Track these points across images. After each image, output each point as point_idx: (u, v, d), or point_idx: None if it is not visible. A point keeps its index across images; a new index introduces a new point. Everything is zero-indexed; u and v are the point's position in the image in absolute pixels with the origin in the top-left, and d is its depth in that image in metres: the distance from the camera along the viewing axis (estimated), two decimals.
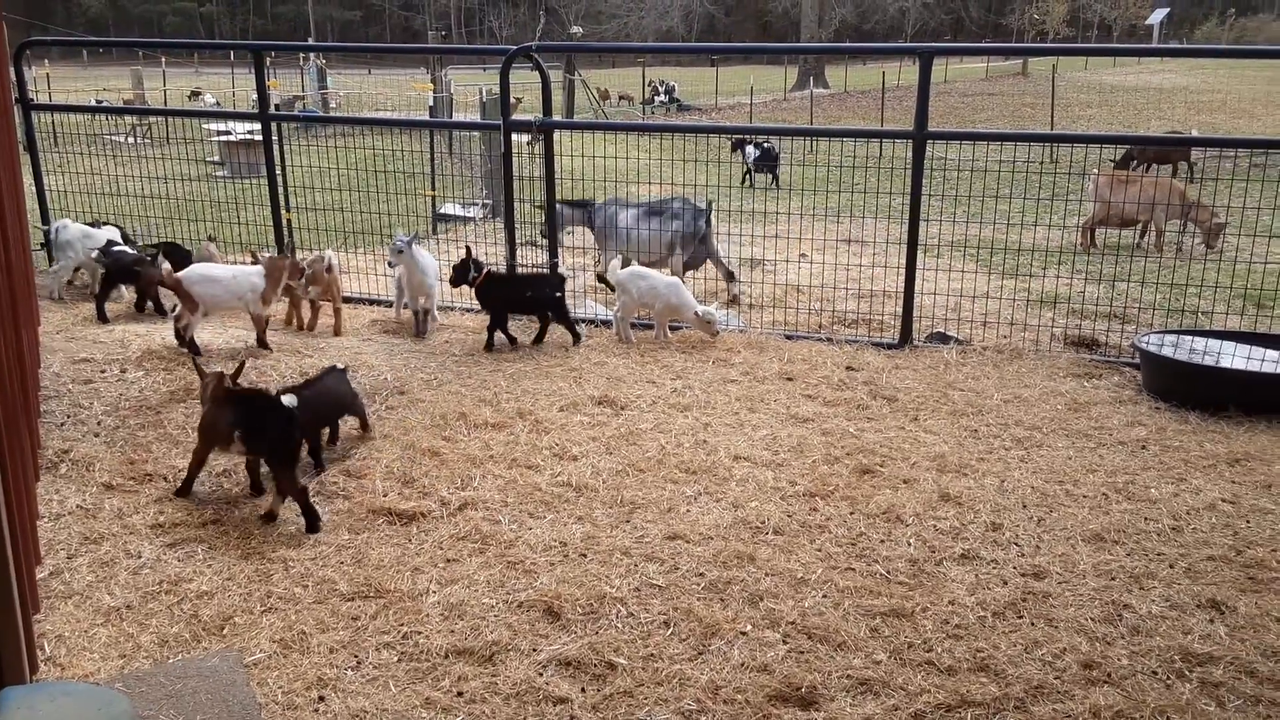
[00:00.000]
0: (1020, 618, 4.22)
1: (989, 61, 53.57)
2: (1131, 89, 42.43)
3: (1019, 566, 4.62)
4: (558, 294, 7.95)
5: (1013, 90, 42.39)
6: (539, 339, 8.05)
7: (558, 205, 9.43)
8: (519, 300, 8.09)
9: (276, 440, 4.97)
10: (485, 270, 7.94)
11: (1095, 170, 12.98)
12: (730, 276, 9.89)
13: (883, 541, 4.85)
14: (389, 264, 8.26)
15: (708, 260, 10.01)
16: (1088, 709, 3.60)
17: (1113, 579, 4.52)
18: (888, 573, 4.57)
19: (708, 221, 9.76)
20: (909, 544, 4.83)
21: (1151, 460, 5.86)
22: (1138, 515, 5.13)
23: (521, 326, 8.34)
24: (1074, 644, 4.01)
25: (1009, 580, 4.51)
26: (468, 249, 8.04)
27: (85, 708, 3.00)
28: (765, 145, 17.17)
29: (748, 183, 17.35)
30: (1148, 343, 7.13)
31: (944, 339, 8.18)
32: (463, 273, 7.89)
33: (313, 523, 4.91)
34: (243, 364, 5.75)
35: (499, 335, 8.00)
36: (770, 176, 17.35)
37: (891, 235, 11.51)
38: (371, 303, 9.31)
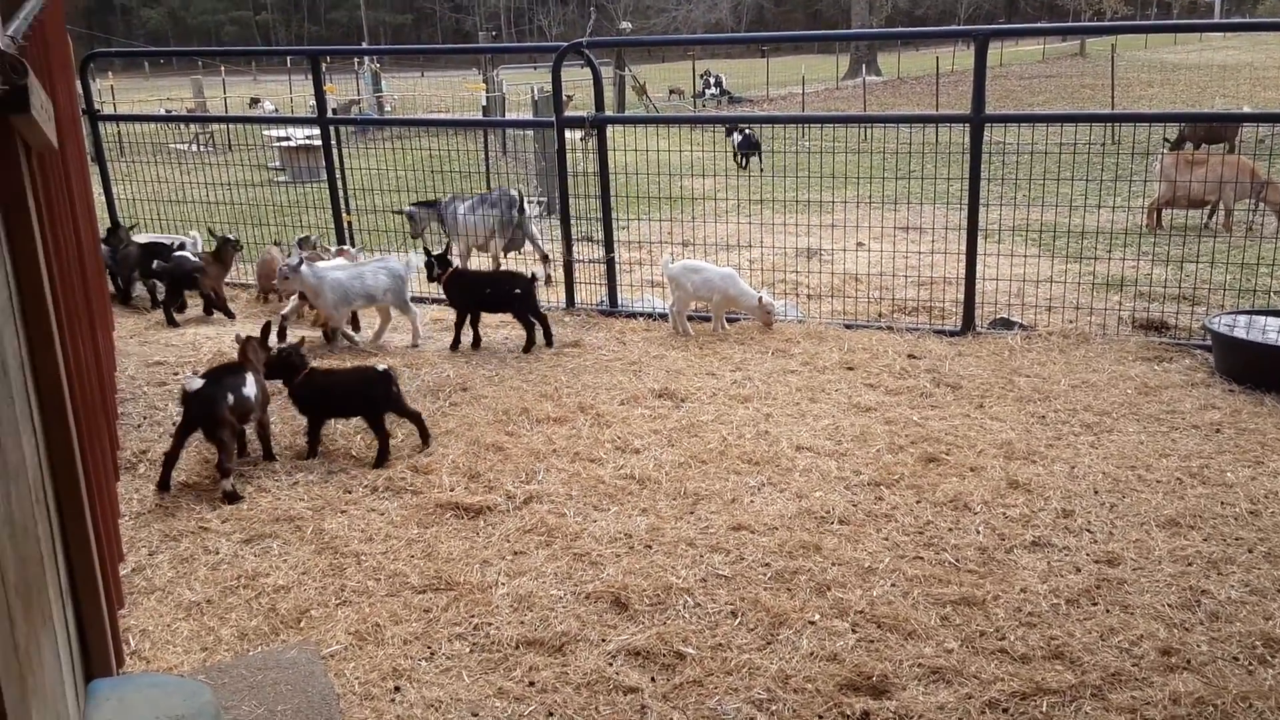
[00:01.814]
0: (1095, 605, 4.15)
1: (1045, 43, 52.54)
2: (1193, 67, 41.33)
3: (1092, 553, 4.55)
4: (517, 291, 7.70)
5: (1071, 72, 41.53)
6: (526, 346, 7.77)
7: (409, 209, 10.18)
8: (482, 298, 7.89)
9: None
10: (451, 268, 7.93)
11: (1162, 150, 12.69)
12: (545, 258, 10.49)
13: (951, 530, 4.80)
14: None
15: (526, 242, 10.68)
16: (1167, 696, 3.53)
17: (1189, 565, 4.43)
18: (957, 561, 4.52)
19: (521, 209, 10.42)
20: (978, 532, 4.77)
21: (1226, 444, 5.73)
22: (1214, 500, 5.02)
23: (567, 324, 8.36)
24: (1151, 630, 3.93)
25: (1082, 567, 4.44)
26: (426, 250, 8.18)
27: (171, 698, 3.10)
28: (747, 131, 18.74)
29: (739, 165, 18.93)
30: (1219, 324, 6.96)
31: (1007, 325, 8.06)
32: (429, 269, 7.94)
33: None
34: (267, 325, 6.19)
35: (469, 336, 7.90)
36: (750, 160, 18.90)
37: (950, 222, 11.37)
38: (434, 301, 9.42)
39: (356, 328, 8.28)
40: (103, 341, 6.21)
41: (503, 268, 10.20)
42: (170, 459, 5.43)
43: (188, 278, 8.73)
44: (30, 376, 3.09)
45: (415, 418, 5.97)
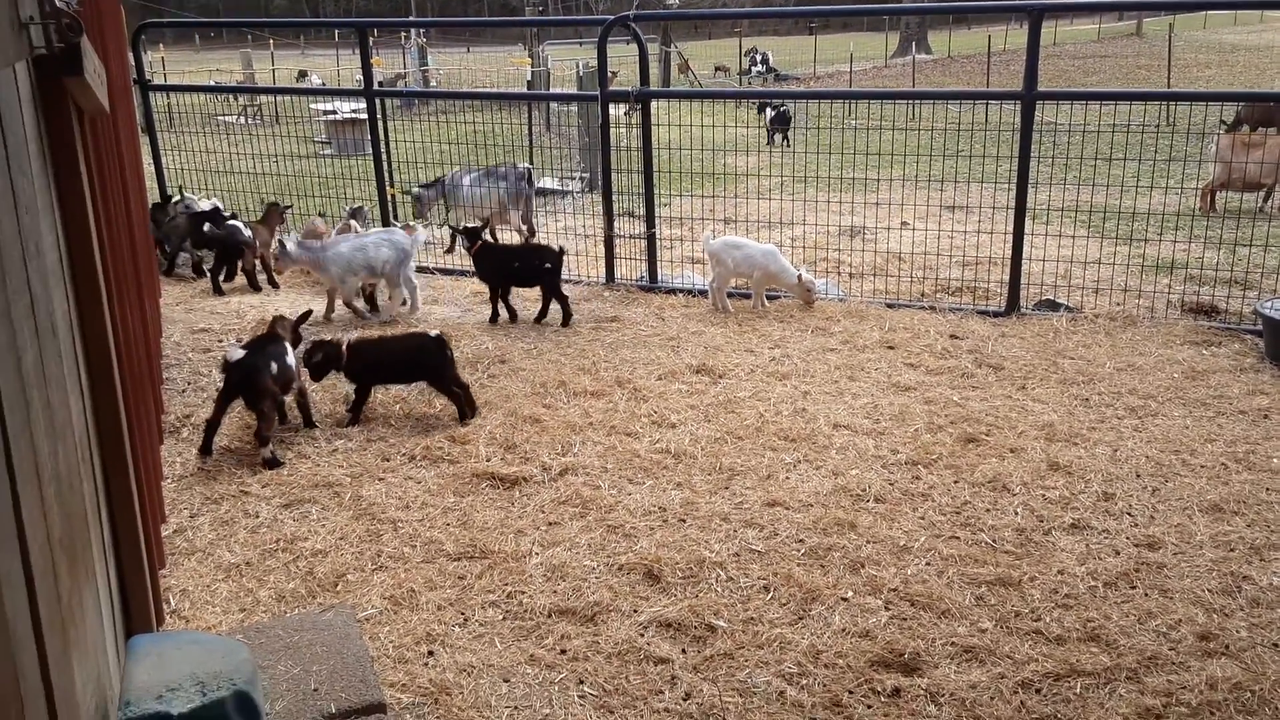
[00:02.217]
0: (1133, 588, 4.10)
1: (1100, 22, 51.44)
2: (1253, 48, 40.21)
3: (1132, 537, 4.49)
4: (547, 266, 7.71)
5: (1126, 52, 40.64)
6: (540, 315, 7.86)
7: (416, 190, 10.34)
8: (510, 272, 7.91)
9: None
10: (480, 241, 7.97)
11: (1218, 131, 12.40)
12: (531, 231, 10.76)
13: (988, 510, 4.76)
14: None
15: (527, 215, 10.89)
16: (1204, 680, 3.48)
17: (1231, 550, 4.36)
18: (993, 541, 4.48)
19: (529, 183, 10.72)
20: (1016, 513, 4.73)
21: (1274, 430, 5.61)
22: (1259, 486, 4.93)
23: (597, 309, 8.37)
24: (1190, 615, 3.88)
25: (1121, 550, 4.38)
26: (450, 225, 8.29)
27: (209, 655, 3.16)
28: (781, 108, 18.92)
29: (769, 140, 19.08)
30: (1272, 308, 6.80)
31: (1053, 306, 7.95)
32: (453, 239, 8.13)
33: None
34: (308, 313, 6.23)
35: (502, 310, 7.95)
36: (782, 136, 19.06)
37: (997, 201, 11.20)
38: (474, 274, 9.45)
39: (374, 306, 8.29)
40: (149, 307, 6.31)
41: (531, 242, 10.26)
42: (212, 426, 5.52)
43: (237, 249, 8.85)
44: (79, 338, 3.15)
45: (460, 392, 5.97)
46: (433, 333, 6.01)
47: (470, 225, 8.06)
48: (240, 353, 5.42)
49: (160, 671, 3.00)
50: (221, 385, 5.54)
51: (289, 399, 5.83)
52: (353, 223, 9.30)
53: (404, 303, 8.10)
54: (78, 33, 2.80)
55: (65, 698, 2.24)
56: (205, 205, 9.73)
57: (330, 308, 8.02)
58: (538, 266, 7.75)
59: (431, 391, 6.08)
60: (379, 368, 5.97)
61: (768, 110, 19.63)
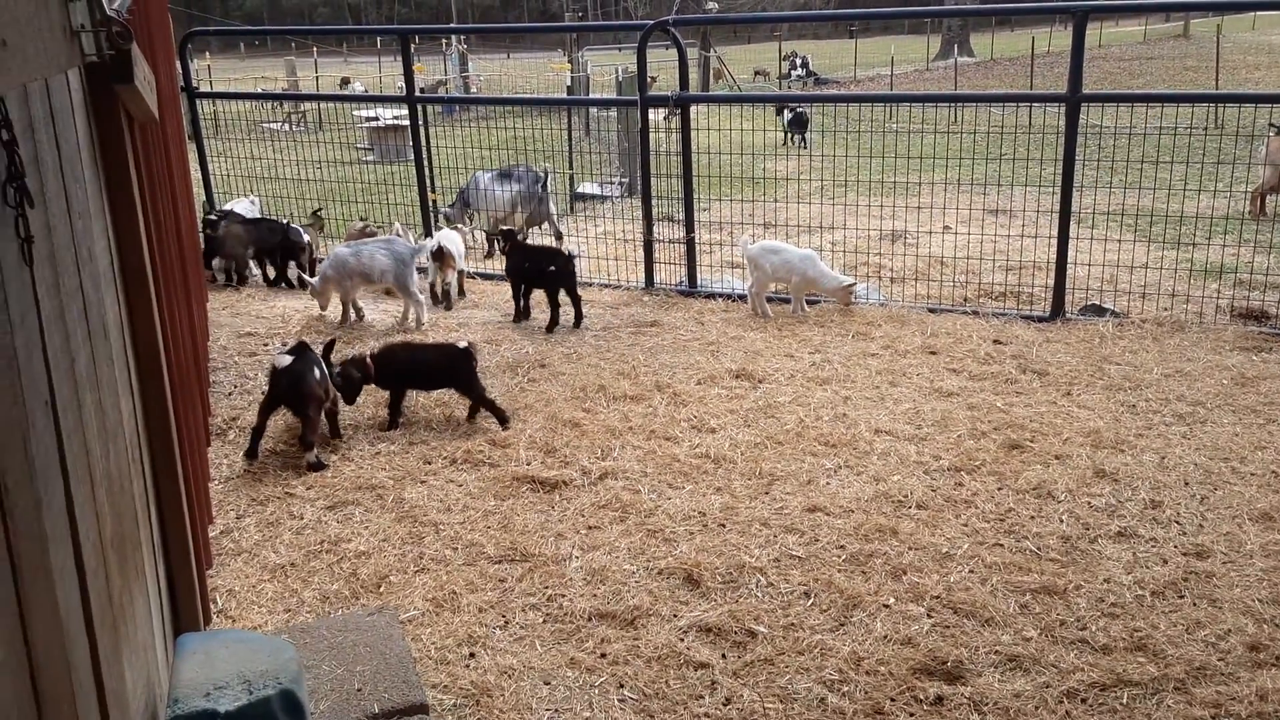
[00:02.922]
0: (1181, 597, 4.03)
1: (1147, 23, 50.68)
2: None
3: (1180, 545, 4.41)
4: (552, 268, 7.75)
5: (1173, 54, 39.97)
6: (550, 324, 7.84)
7: (445, 211, 10.26)
8: (528, 272, 7.94)
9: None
10: (511, 240, 8.09)
11: (1268, 134, 12.16)
12: (559, 237, 10.64)
13: (1033, 518, 4.70)
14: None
15: (544, 220, 10.90)
16: (1254, 692, 3.42)
17: None
18: (1038, 549, 4.43)
19: (544, 186, 10.65)
20: (1061, 520, 4.66)
21: None
22: None
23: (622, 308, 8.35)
24: (1239, 625, 3.81)
25: (1169, 559, 4.31)
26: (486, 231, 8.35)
27: (255, 654, 3.19)
28: (799, 110, 19.24)
29: (788, 142, 19.42)
30: None
31: (1099, 311, 7.83)
32: (491, 243, 8.38)
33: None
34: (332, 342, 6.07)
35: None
36: (799, 139, 19.35)
37: (1041, 205, 11.07)
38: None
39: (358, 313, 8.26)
40: (197, 311, 6.41)
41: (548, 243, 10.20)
42: (258, 432, 5.58)
43: (294, 249, 9.15)
44: (129, 341, 3.21)
45: (486, 404, 6.00)
46: (461, 344, 6.03)
47: (506, 228, 8.15)
48: (287, 359, 5.47)
49: (208, 670, 3.04)
50: (267, 391, 5.60)
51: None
52: (397, 224, 9.44)
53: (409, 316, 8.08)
54: (128, 40, 2.86)
55: (116, 694, 2.28)
56: (246, 208, 9.91)
57: (345, 313, 8.14)
58: (544, 269, 7.83)
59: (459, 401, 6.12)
60: (407, 373, 6.03)
61: (785, 112, 19.98)
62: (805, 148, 18.68)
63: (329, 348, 5.93)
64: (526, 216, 10.75)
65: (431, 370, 6.03)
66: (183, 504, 3.52)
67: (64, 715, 1.81)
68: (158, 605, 3.15)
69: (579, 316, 7.85)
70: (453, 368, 5.94)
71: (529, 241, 9.21)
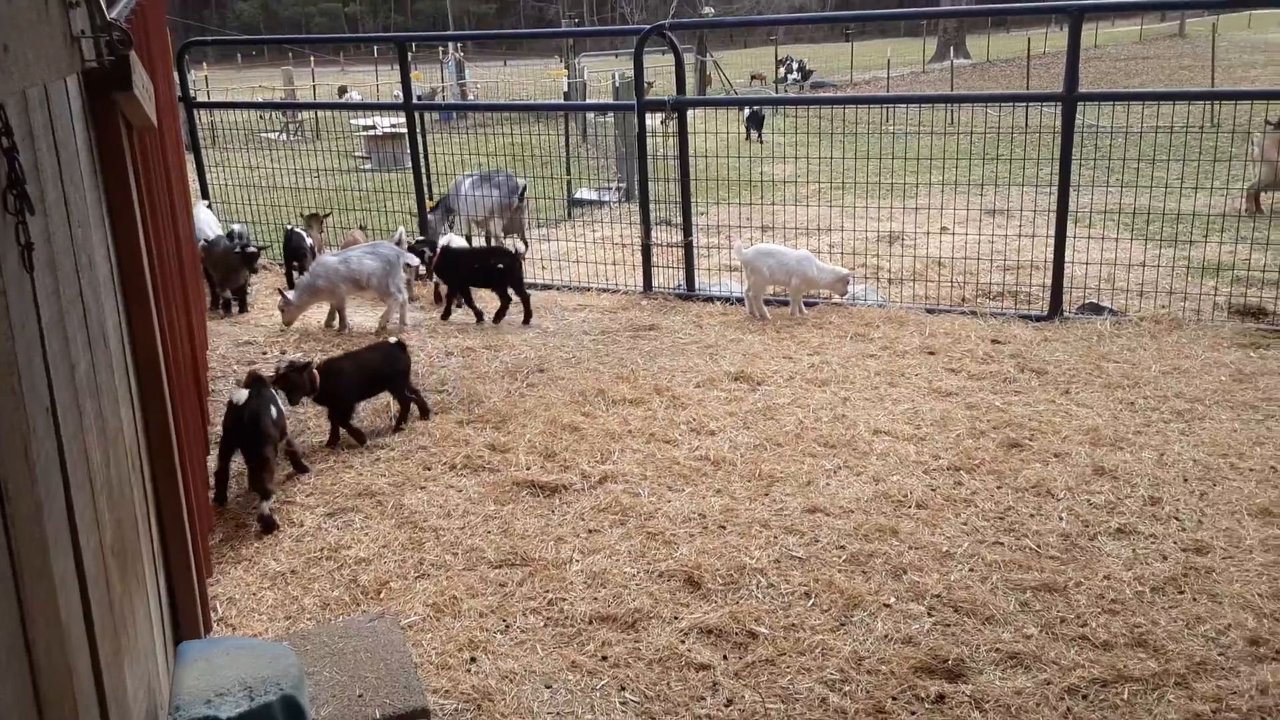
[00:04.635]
0: (1181, 593, 4.04)
1: (1143, 23, 50.78)
2: None
3: (1180, 541, 4.42)
4: (499, 266, 8.04)
5: (1169, 53, 40.03)
6: (498, 315, 8.18)
7: (430, 216, 10.18)
8: (471, 273, 8.26)
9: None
10: (440, 249, 8.31)
11: (1263, 130, 12.19)
12: (524, 245, 10.66)
13: (1032, 516, 4.71)
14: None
15: (519, 230, 10.92)
16: (1254, 686, 3.42)
17: None
18: (1038, 547, 4.43)
19: (521, 197, 10.66)
20: (1060, 518, 4.67)
21: None
22: None
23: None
24: (1240, 620, 3.81)
25: (1169, 555, 4.32)
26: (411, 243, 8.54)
27: (256, 661, 3.20)
28: (757, 110, 20.46)
29: (749, 139, 19.79)
30: None
31: (1097, 310, 7.85)
32: (420, 256, 8.39)
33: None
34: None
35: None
36: (757, 134, 19.97)
37: (1038, 205, 11.09)
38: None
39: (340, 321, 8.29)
40: (196, 320, 6.42)
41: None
42: (222, 476, 5.23)
43: (299, 251, 9.36)
44: (129, 348, 3.22)
45: (417, 399, 6.18)
46: (392, 340, 6.17)
47: (424, 238, 8.44)
48: (244, 394, 5.07)
49: (209, 677, 3.04)
50: (224, 430, 5.22)
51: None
52: (400, 231, 9.46)
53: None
54: (128, 46, 2.87)
55: (117, 701, 2.29)
56: (206, 216, 9.84)
57: (331, 318, 8.20)
58: (493, 267, 8.09)
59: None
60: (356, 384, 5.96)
61: (744, 109, 20.88)
62: (761, 143, 19.30)
63: (300, 369, 5.62)
64: (504, 224, 10.77)
65: (375, 374, 6.01)
66: (183, 512, 3.52)
67: None
68: (158, 613, 3.16)
69: (528, 314, 8.14)
70: (392, 369, 6.01)
71: (471, 244, 9.38)
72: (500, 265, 8.08)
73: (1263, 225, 10.17)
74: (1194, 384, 6.26)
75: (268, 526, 4.88)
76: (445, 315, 8.32)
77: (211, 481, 5.20)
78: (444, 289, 8.59)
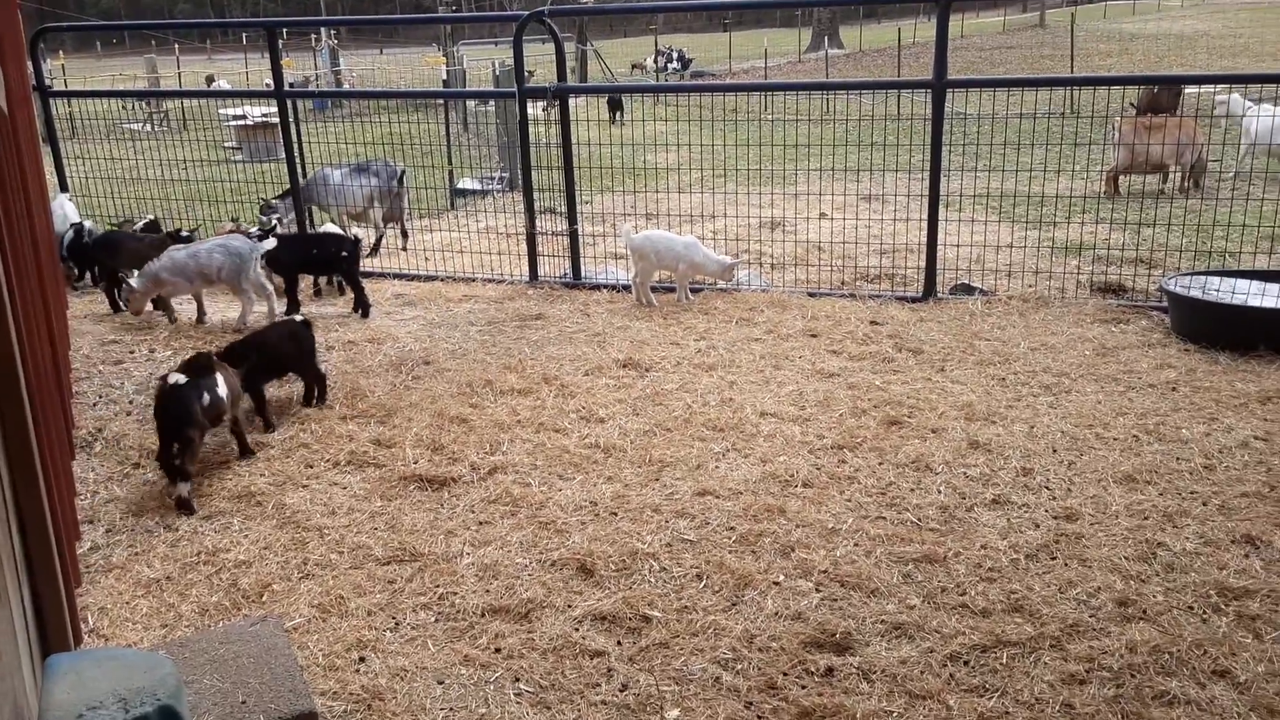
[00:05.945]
0: (1053, 559, 4.21)
1: (1005, 14, 52.84)
2: (1151, 36, 41.71)
3: (1050, 509, 4.62)
4: (344, 254, 8.01)
5: (1031, 43, 41.76)
6: (357, 306, 8.10)
7: (274, 201, 9.95)
8: (308, 259, 8.18)
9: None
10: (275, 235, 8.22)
11: (1126, 112, 12.81)
12: (405, 235, 10.82)
13: (913, 490, 4.85)
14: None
15: (398, 218, 10.83)
16: (1124, 645, 3.60)
17: (1146, 518, 4.51)
18: (919, 520, 4.57)
19: (401, 182, 10.57)
20: (939, 492, 4.82)
21: (1182, 401, 5.82)
22: (1169, 456, 5.10)
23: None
24: (1108, 583, 4.00)
25: (1041, 523, 4.50)
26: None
27: (130, 671, 3.06)
28: (615, 96, 21.33)
29: (612, 121, 20.73)
30: (1175, 285, 7.05)
31: (968, 290, 8.13)
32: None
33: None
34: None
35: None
36: (618, 116, 20.70)
37: (912, 190, 11.43)
38: (395, 276, 9.35)
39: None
40: (56, 319, 6.10)
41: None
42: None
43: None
44: None
45: (319, 380, 6.15)
46: (297, 317, 6.14)
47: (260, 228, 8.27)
48: (181, 378, 5.01)
49: (80, 690, 2.89)
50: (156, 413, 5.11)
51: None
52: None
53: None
54: None
55: None
56: (69, 208, 9.45)
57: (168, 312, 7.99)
58: (334, 255, 8.00)
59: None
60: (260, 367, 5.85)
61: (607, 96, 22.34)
62: (622, 125, 19.92)
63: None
64: (384, 212, 10.59)
65: (281, 354, 5.95)
66: (46, 520, 3.34)
67: None
68: (23, 626, 2.99)
69: (366, 306, 8.06)
70: (299, 347, 5.98)
71: (309, 230, 9.23)
72: (344, 253, 7.97)
73: (1121, 206, 10.69)
74: (1060, 359, 6.54)
75: (184, 509, 4.87)
76: (292, 309, 7.89)
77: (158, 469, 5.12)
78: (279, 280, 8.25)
